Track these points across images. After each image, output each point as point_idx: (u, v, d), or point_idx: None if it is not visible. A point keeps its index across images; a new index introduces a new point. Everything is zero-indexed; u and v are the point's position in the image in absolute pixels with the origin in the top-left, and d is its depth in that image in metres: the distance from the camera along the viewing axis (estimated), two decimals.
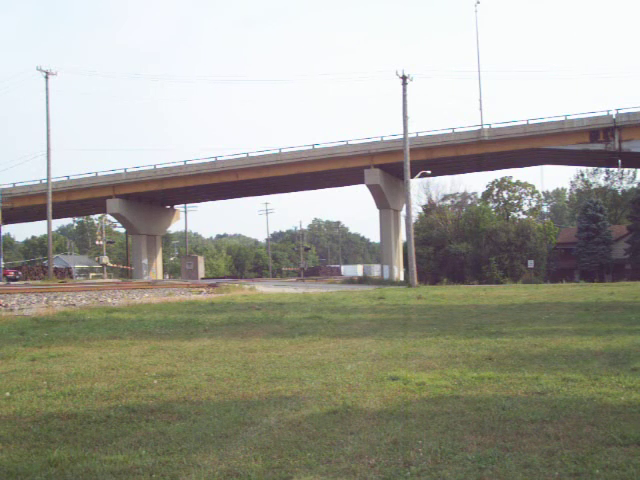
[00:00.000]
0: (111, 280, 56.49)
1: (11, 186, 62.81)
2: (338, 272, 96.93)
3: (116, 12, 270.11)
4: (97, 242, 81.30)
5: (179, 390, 7.19)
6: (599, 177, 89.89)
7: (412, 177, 46.01)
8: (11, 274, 59.83)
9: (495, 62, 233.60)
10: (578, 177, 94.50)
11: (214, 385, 7.44)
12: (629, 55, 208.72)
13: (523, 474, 4.33)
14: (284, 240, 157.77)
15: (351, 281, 53.97)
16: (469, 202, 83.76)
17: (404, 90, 42.44)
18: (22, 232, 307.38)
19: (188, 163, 59.06)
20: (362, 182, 54.00)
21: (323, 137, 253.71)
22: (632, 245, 65.89)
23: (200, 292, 29.85)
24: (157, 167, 59.68)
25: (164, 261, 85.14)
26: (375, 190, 53.38)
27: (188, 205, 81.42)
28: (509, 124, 50.08)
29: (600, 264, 66.50)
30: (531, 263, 61.84)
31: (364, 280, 53.66)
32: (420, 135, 51.42)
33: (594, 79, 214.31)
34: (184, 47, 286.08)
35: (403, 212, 54.63)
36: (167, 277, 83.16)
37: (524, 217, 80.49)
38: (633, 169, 79.98)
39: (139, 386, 7.41)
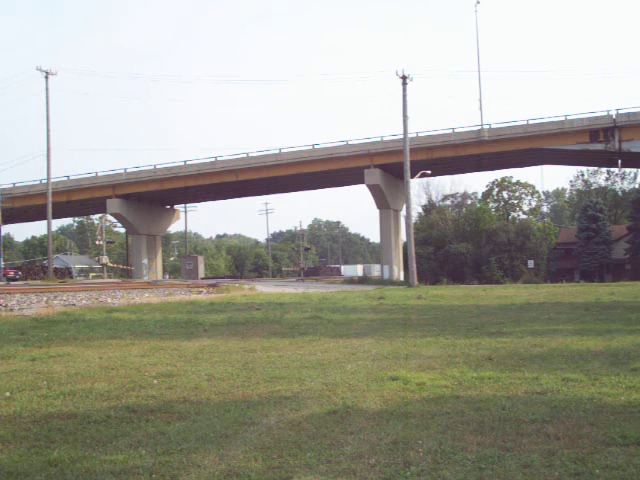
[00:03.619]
0: (111, 280, 56.50)
1: (11, 186, 62.80)
2: (338, 272, 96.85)
3: (114, 12, 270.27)
4: (97, 242, 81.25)
5: (179, 390, 7.19)
6: (599, 177, 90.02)
7: (412, 177, 46.01)
8: (11, 274, 59.81)
9: (495, 62, 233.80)
10: (578, 177, 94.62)
11: (214, 385, 7.43)
12: (629, 55, 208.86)
13: (523, 474, 4.33)
14: (284, 240, 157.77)
15: (351, 281, 53.95)
16: (469, 202, 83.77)
17: (404, 90, 42.45)
18: (22, 232, 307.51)
19: (188, 163, 59.07)
20: (362, 182, 53.98)
21: (323, 137, 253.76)
22: (632, 245, 65.92)
23: (200, 292, 29.85)
24: (157, 167, 59.67)
25: (164, 261, 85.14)
26: (375, 190, 53.36)
27: (188, 205, 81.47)
28: (509, 124, 50.10)
29: (600, 264, 66.52)
30: (531, 263, 61.89)
31: (364, 280, 53.63)
32: (420, 135, 51.41)
33: (594, 79, 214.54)
34: (183, 47, 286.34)
35: (403, 212, 54.65)
36: (167, 277, 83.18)
37: (524, 217, 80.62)
38: (635, 169, 79.98)
39: (139, 386, 7.41)
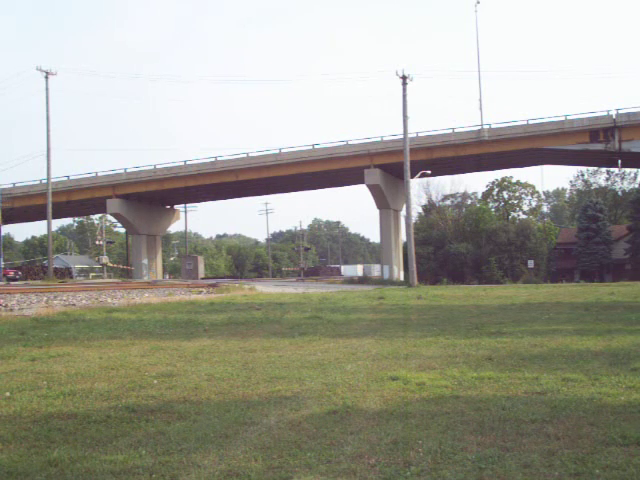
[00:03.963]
0: (111, 280, 56.47)
1: (11, 186, 62.79)
2: (338, 272, 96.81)
3: (114, 12, 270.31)
4: (97, 242, 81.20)
5: (179, 390, 7.18)
6: (599, 177, 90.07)
7: (412, 177, 46.00)
8: (11, 274, 59.76)
9: (495, 62, 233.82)
10: (578, 177, 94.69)
11: (214, 385, 7.43)
12: (629, 55, 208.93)
13: (523, 474, 4.33)
14: (284, 240, 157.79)
15: (351, 281, 53.93)
16: (469, 202, 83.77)
17: (404, 90, 42.45)
18: (22, 232, 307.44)
19: (188, 163, 59.06)
20: (362, 182, 53.98)
21: (323, 137, 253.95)
22: (632, 245, 65.93)
23: (200, 292, 29.85)
24: (157, 167, 59.67)
25: (164, 261, 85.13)
26: (375, 190, 53.36)
27: (188, 205, 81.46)
28: (509, 124, 50.09)
29: (600, 264, 66.51)
30: (531, 263, 61.86)
31: (364, 280, 53.62)
32: (420, 135, 51.41)
33: (594, 79, 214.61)
34: (183, 47, 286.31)
35: (403, 212, 54.64)
36: (167, 277, 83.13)
37: (524, 217, 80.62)
38: (635, 169, 80.00)
39: (139, 386, 7.41)
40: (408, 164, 42.84)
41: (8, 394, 6.99)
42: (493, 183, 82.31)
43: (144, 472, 4.49)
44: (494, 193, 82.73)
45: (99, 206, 67.06)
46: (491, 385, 7.16)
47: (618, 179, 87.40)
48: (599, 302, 19.86)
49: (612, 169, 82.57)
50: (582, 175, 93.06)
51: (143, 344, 11.25)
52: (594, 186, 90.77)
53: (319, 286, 42.07)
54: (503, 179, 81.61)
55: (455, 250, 64.22)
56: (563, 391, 6.77)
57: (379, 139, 53.06)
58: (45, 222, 54.23)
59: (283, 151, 55.78)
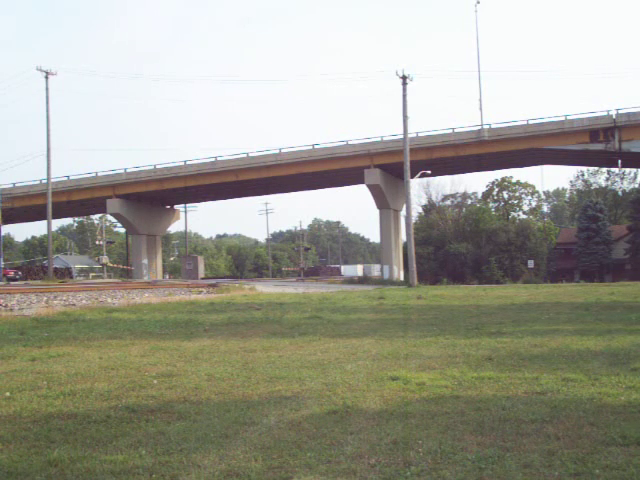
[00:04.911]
0: (111, 280, 56.45)
1: (11, 186, 62.78)
2: (338, 272, 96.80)
3: (114, 12, 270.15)
4: (97, 242, 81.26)
5: (179, 390, 7.19)
6: (600, 177, 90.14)
7: (412, 177, 46.00)
8: (11, 274, 59.75)
9: (495, 62, 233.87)
10: (578, 177, 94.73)
11: (214, 385, 7.43)
12: (629, 55, 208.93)
13: (523, 474, 4.33)
14: (284, 240, 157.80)
15: (351, 281, 53.92)
16: (469, 202, 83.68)
17: (404, 90, 42.45)
18: (22, 232, 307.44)
19: (188, 163, 59.05)
20: (362, 182, 53.98)
21: (323, 137, 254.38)
22: (632, 245, 65.93)
23: (200, 292, 29.84)
24: (157, 167, 59.66)
25: (164, 261, 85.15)
26: (375, 190, 53.37)
27: (188, 205, 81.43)
28: (509, 124, 50.08)
29: (600, 264, 66.52)
30: (531, 263, 61.84)
31: (364, 280, 53.60)
32: (420, 135, 51.40)
33: (594, 79, 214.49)
34: (183, 47, 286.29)
35: (403, 212, 54.62)
36: (167, 277, 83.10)
37: (524, 217, 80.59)
38: (635, 169, 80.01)
39: (139, 386, 7.41)
40: (408, 164, 42.84)
41: (8, 394, 6.99)
42: (493, 183, 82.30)
43: (144, 472, 4.49)
44: (494, 193, 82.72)
45: (99, 206, 67.06)
46: (491, 385, 7.16)
47: (618, 179, 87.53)
48: (599, 302, 19.87)
49: (612, 169, 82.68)
50: (582, 175, 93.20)
51: (143, 344, 11.25)
52: (594, 186, 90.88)
53: (319, 286, 42.06)
54: (503, 179, 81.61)
55: (455, 250, 64.20)
56: (563, 391, 6.77)
57: (379, 139, 53.06)
58: (45, 222, 54.26)
59: (283, 151, 55.78)
